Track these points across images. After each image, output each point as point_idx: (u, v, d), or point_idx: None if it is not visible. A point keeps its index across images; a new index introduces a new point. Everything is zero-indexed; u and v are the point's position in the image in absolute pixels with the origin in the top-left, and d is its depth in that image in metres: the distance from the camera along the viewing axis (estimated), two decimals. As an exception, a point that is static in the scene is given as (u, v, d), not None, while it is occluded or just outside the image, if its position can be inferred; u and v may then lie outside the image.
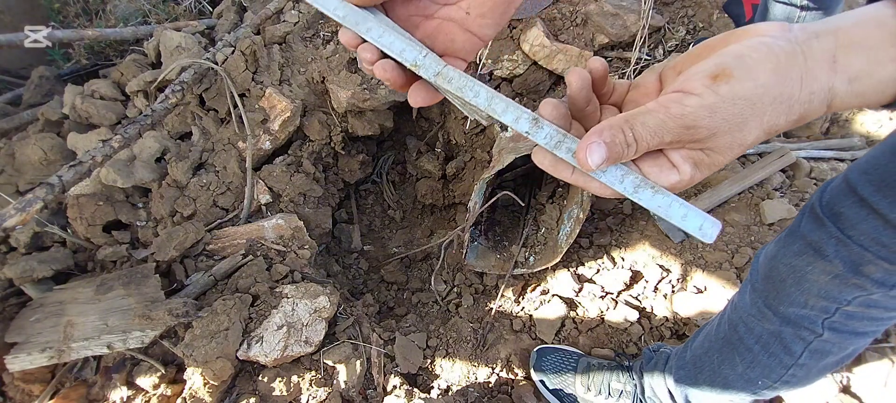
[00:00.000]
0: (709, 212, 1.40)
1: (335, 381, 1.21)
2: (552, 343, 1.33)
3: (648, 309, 1.33)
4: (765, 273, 0.75)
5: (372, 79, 1.65)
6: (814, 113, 0.36)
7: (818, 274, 0.65)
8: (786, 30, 0.37)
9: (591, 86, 0.44)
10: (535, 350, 1.29)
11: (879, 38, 0.34)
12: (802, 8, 1.23)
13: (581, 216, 1.35)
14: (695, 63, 0.39)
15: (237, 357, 1.16)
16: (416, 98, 0.47)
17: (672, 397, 1.01)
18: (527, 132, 0.42)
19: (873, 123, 1.53)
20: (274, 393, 1.15)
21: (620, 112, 0.45)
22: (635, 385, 1.13)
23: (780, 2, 1.25)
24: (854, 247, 0.60)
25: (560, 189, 1.62)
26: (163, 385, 1.18)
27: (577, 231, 1.33)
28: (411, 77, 0.47)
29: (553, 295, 1.40)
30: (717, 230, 0.38)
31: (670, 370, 1.00)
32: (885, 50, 0.34)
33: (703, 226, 0.39)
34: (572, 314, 1.37)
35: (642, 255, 1.40)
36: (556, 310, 1.37)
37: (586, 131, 0.41)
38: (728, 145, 0.37)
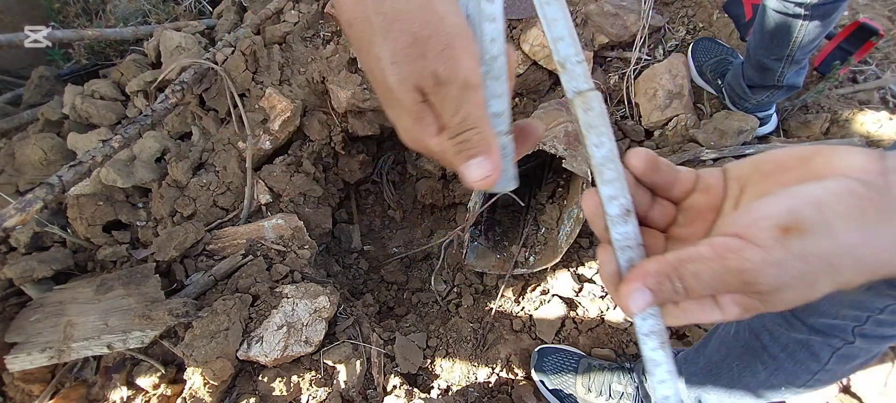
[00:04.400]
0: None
1: (335, 381, 1.21)
2: (552, 344, 1.33)
3: (648, 309, 1.33)
4: None
5: (372, 79, 1.65)
6: None
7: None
8: (881, 168, 0.30)
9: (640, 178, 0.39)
10: (535, 350, 1.29)
11: None
12: (803, 18, 1.20)
13: (581, 216, 1.35)
14: (764, 185, 0.34)
15: (237, 357, 1.16)
16: None
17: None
18: (611, 216, 0.37)
19: (873, 123, 1.53)
20: (274, 393, 1.15)
21: (676, 208, 0.40)
22: (636, 387, 1.13)
23: (777, 11, 1.24)
24: None
25: (560, 189, 1.62)
26: (163, 385, 1.18)
27: (578, 231, 1.33)
28: None
29: (553, 295, 1.40)
30: None
31: (679, 372, 1.00)
32: None
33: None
34: (572, 314, 1.37)
35: (642, 255, 1.40)
36: (556, 310, 1.37)
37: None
38: (791, 300, 0.30)
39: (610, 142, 0.37)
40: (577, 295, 1.39)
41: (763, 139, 1.59)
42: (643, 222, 0.40)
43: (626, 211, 0.37)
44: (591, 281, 1.42)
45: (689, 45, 1.70)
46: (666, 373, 0.36)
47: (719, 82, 1.58)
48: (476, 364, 1.32)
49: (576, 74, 0.37)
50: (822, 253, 0.29)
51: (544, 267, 1.41)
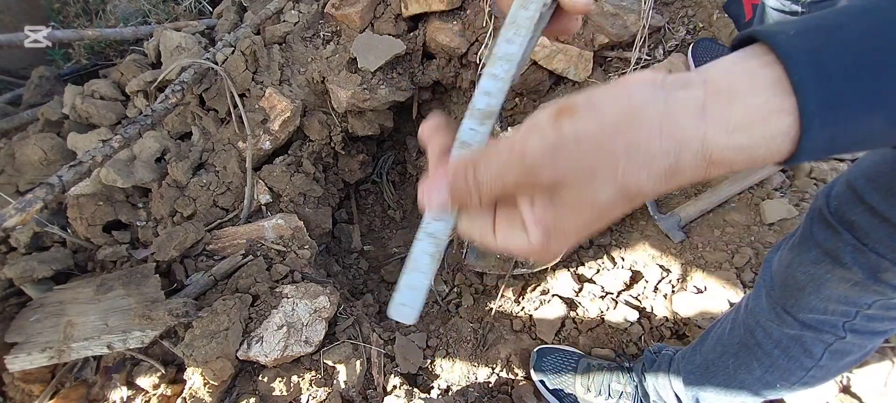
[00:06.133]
0: (708, 212, 1.40)
1: (335, 381, 1.21)
2: (552, 344, 1.33)
3: (648, 309, 1.33)
4: (781, 280, 0.74)
5: (372, 78, 1.65)
6: (687, 169, 0.30)
7: (837, 281, 0.65)
8: (662, 76, 0.32)
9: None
10: (535, 350, 1.29)
11: (754, 88, 0.30)
12: (801, 15, 1.21)
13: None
14: None
15: (237, 357, 1.16)
16: None
17: (679, 399, 1.01)
18: (475, 107, 0.37)
19: (873, 123, 1.53)
20: (274, 393, 1.15)
21: None
22: (636, 387, 1.13)
23: (776, 9, 1.24)
24: (871, 255, 0.60)
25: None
26: (163, 385, 1.18)
27: (577, 231, 1.33)
28: None
29: (553, 295, 1.40)
30: (400, 316, 0.37)
31: (677, 372, 1.00)
32: (766, 99, 0.29)
33: (401, 308, 0.38)
34: (572, 314, 1.37)
35: (642, 255, 1.40)
36: (556, 310, 1.37)
37: None
38: (577, 201, 0.31)
39: (520, 48, 0.37)
40: (577, 295, 1.39)
41: (763, 139, 1.59)
42: None
43: (490, 113, 0.36)
44: (591, 281, 1.42)
45: (689, 45, 1.70)
46: (420, 279, 0.37)
47: (719, 82, 1.58)
48: (476, 364, 1.32)
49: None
50: (591, 133, 0.30)
51: (544, 267, 1.41)
